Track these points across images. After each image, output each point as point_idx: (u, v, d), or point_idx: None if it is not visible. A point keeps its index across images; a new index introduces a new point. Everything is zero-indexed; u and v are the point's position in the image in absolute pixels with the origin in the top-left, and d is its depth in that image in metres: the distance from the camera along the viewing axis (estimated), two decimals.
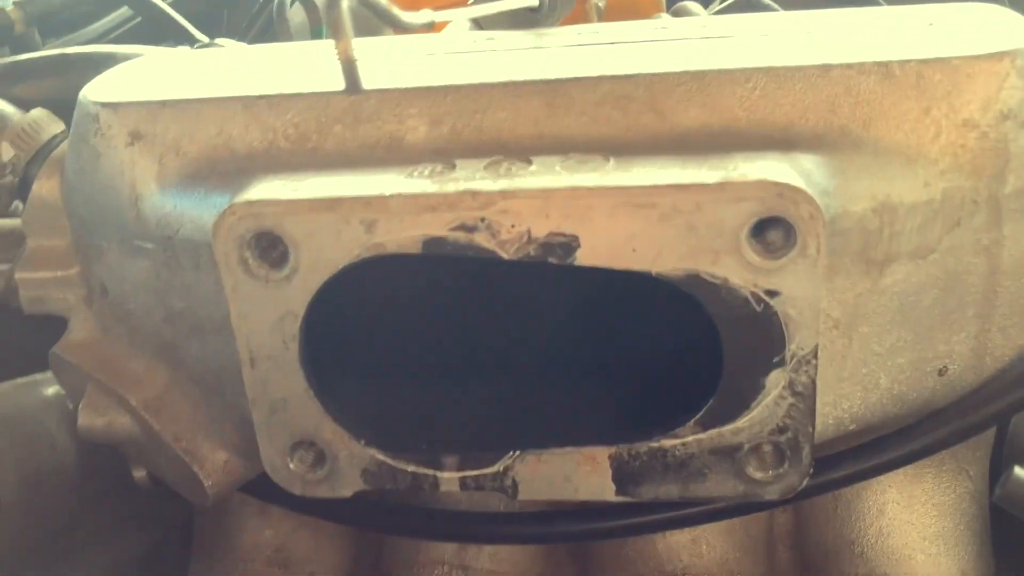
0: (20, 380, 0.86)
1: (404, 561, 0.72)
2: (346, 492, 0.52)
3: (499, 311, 0.56)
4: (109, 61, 0.81)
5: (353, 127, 0.51)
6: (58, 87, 0.89)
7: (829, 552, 0.69)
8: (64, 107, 0.65)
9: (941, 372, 0.53)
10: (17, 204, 0.80)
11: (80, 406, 0.61)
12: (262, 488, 0.68)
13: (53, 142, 0.64)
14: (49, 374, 0.88)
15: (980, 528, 0.67)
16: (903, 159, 0.47)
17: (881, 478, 0.66)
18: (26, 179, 0.64)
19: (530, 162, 0.47)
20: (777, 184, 0.42)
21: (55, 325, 0.65)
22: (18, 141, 0.63)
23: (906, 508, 0.66)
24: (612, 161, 0.47)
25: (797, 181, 0.43)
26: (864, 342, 0.50)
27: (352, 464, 0.51)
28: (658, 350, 0.53)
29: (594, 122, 0.49)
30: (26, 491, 0.74)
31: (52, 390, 0.85)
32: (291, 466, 0.52)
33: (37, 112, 0.65)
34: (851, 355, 0.51)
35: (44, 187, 0.62)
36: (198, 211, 0.52)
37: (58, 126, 0.65)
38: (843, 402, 0.52)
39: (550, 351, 0.56)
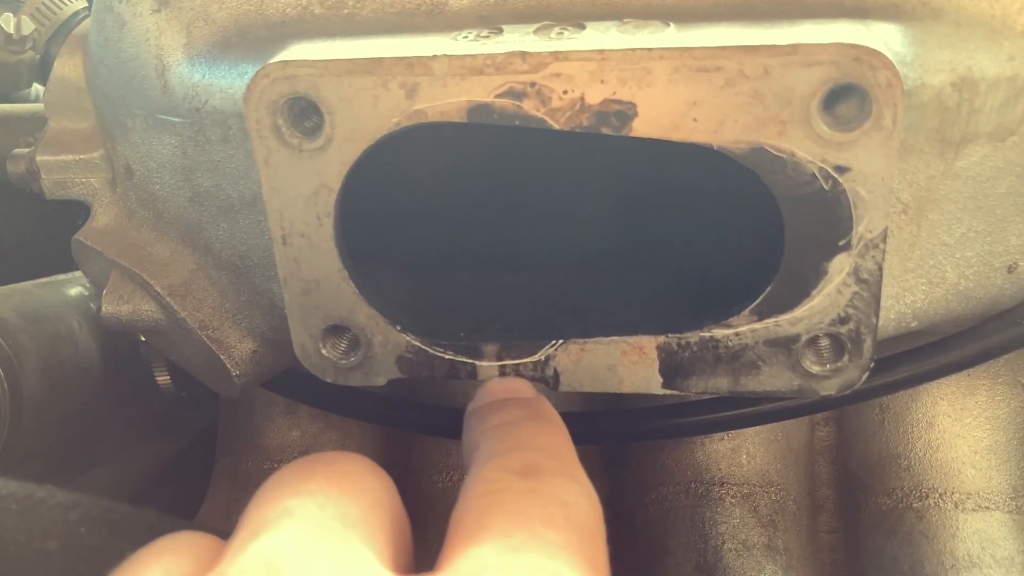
0: (42, 280, 0.84)
1: (432, 463, 0.70)
2: (380, 380, 0.50)
3: (542, 197, 0.53)
4: None
5: None
6: None
7: (873, 466, 0.66)
8: None
9: (1010, 269, 0.50)
10: (38, 90, 0.78)
11: (104, 293, 0.59)
12: (290, 386, 0.66)
13: (75, 18, 0.61)
14: (71, 274, 0.86)
15: None
16: (986, 30, 0.44)
17: (932, 390, 0.64)
18: (47, 57, 0.61)
19: (583, 26, 0.44)
20: (854, 47, 0.39)
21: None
22: (38, 15, 0.60)
23: (957, 421, 0.64)
24: (672, 26, 0.43)
25: (875, 44, 0.39)
26: (933, 230, 0.47)
27: (387, 350, 0.49)
28: (712, 235, 0.50)
29: None
30: (49, 385, 0.72)
31: (75, 290, 0.84)
32: (323, 352, 0.49)
33: None
34: (919, 244, 0.48)
35: (66, 65, 0.59)
36: (227, 81, 0.49)
37: (80, 2, 0.63)
38: (907, 296, 0.49)
39: (597, 237, 0.53)
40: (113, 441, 0.92)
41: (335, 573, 0.28)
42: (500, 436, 0.39)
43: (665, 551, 0.67)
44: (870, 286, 0.43)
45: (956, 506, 0.63)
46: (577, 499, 0.34)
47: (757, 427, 0.66)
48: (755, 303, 0.45)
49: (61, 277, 0.86)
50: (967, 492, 0.63)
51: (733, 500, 0.66)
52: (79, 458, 0.88)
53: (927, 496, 0.64)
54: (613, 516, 0.71)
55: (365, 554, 0.30)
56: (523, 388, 0.45)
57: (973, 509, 0.63)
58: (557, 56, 0.41)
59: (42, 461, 0.80)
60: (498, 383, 0.46)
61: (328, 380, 0.50)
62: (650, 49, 0.40)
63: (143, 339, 0.76)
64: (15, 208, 0.83)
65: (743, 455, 0.66)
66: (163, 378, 0.84)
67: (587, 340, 0.48)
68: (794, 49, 0.39)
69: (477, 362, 0.49)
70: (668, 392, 0.48)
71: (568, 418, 0.60)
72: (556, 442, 0.39)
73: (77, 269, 0.81)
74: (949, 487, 0.63)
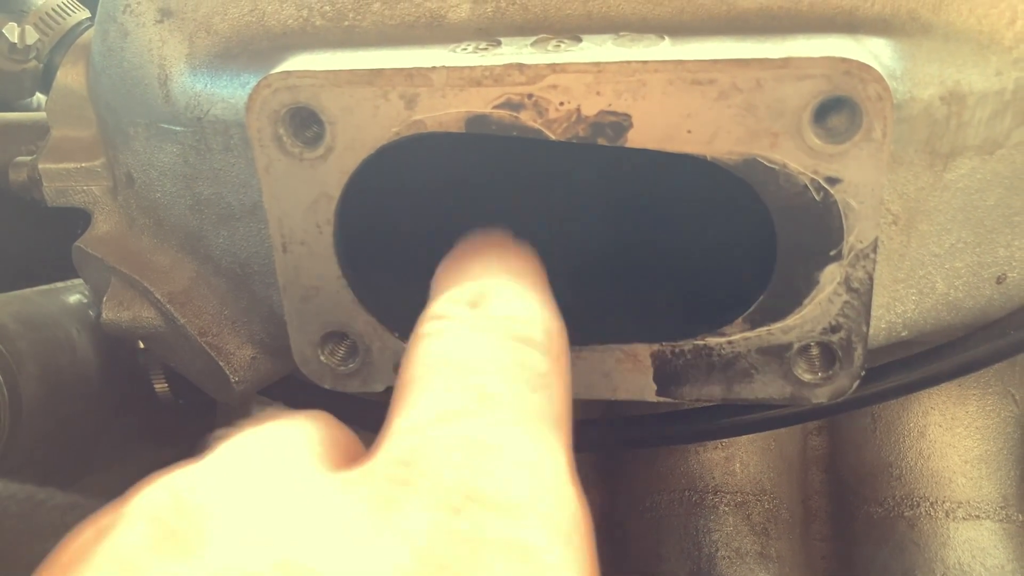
0: (41, 287, 0.85)
1: None
2: (378, 386, 0.50)
3: (538, 206, 0.53)
4: None
5: (392, 4, 0.49)
6: None
7: (865, 475, 0.67)
8: None
9: (999, 280, 0.51)
10: (40, 99, 0.79)
11: (104, 299, 0.60)
12: (287, 393, 0.67)
13: (79, 28, 0.62)
14: (71, 282, 0.87)
15: None
16: (975, 45, 0.45)
17: (923, 399, 0.65)
18: (50, 67, 0.62)
19: (579, 39, 0.45)
20: (845, 61, 0.40)
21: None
22: (42, 25, 0.61)
23: (948, 431, 0.65)
24: (667, 39, 0.44)
25: (865, 59, 0.40)
26: (923, 241, 0.48)
27: (385, 357, 0.49)
28: (706, 244, 0.51)
29: (647, 1, 0.47)
30: (47, 391, 0.73)
31: (74, 298, 0.85)
32: (322, 358, 0.50)
33: None
34: (909, 254, 0.48)
35: (69, 74, 0.60)
36: (229, 90, 0.50)
37: (84, 13, 0.63)
38: (897, 305, 0.50)
39: (592, 246, 0.54)
40: (110, 448, 0.92)
41: (263, 469, 0.27)
42: (456, 270, 0.36)
43: (659, 559, 0.67)
44: (861, 295, 0.44)
45: (947, 515, 0.64)
46: (532, 330, 0.31)
47: (750, 436, 0.67)
48: (748, 311, 0.46)
49: (60, 285, 0.86)
50: (958, 501, 0.64)
51: (727, 508, 0.67)
52: (76, 465, 0.88)
53: (918, 505, 0.64)
54: (608, 524, 0.71)
55: (296, 454, 0.28)
56: (495, 234, 0.42)
57: (964, 518, 0.63)
58: (554, 68, 0.42)
59: (39, 468, 0.80)
60: (473, 234, 0.42)
61: (326, 386, 0.51)
62: (645, 62, 0.41)
63: (142, 346, 0.77)
64: (15, 216, 0.83)
65: (736, 464, 0.67)
66: (161, 386, 0.84)
67: (582, 348, 0.48)
68: (786, 63, 0.40)
69: None
70: (662, 399, 0.49)
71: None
72: (519, 267, 0.36)
73: (76, 277, 0.82)
74: (940, 496, 0.64)
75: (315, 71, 0.43)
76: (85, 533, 0.26)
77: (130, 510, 0.26)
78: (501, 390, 0.28)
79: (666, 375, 0.48)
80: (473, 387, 0.28)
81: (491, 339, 0.30)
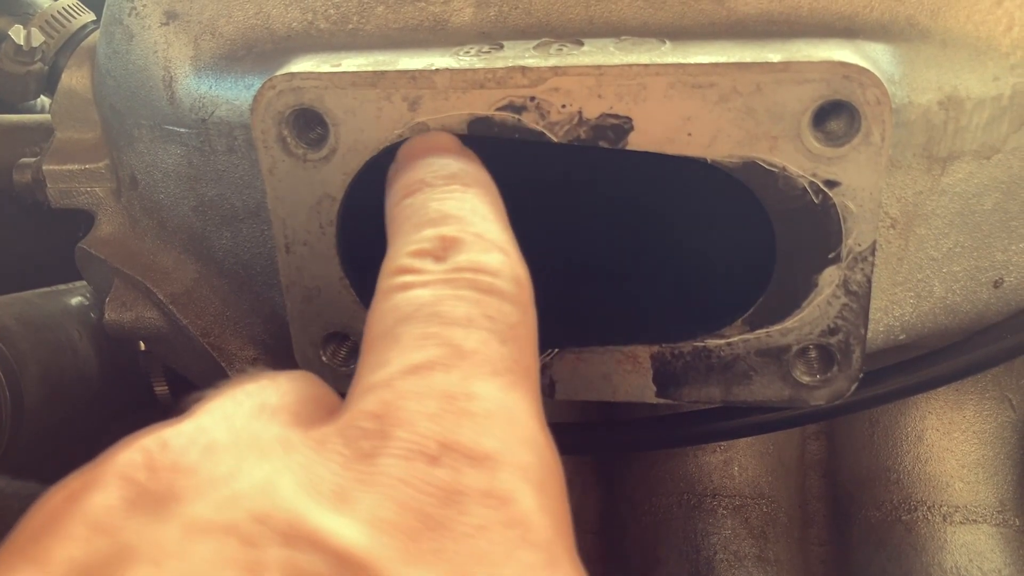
0: (43, 289, 0.85)
1: None
2: None
3: (537, 207, 0.54)
4: None
5: (396, 8, 0.50)
6: None
7: (863, 480, 0.67)
8: None
9: (996, 284, 0.51)
10: (44, 101, 0.79)
11: (107, 300, 0.60)
12: None
13: (84, 31, 0.63)
14: (72, 285, 0.87)
15: (1021, 458, 0.66)
16: (972, 51, 0.45)
17: (921, 404, 0.65)
18: (55, 69, 0.62)
19: (581, 43, 0.45)
20: (844, 65, 0.40)
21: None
22: (48, 28, 0.61)
23: (945, 435, 0.65)
24: (668, 44, 0.45)
25: (865, 63, 0.41)
26: (920, 245, 0.48)
27: None
28: (705, 246, 0.51)
29: (648, 6, 0.47)
30: (49, 391, 0.73)
31: (75, 300, 0.85)
32: (323, 358, 0.50)
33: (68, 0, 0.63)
34: (907, 258, 0.49)
35: (74, 77, 0.61)
36: (233, 92, 0.50)
37: (89, 16, 0.64)
38: (895, 309, 0.50)
39: (592, 248, 0.54)
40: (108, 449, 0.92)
41: (237, 427, 0.27)
42: (411, 204, 0.36)
43: (658, 561, 0.67)
44: (859, 298, 0.45)
45: (944, 519, 0.64)
46: (501, 280, 0.31)
47: (749, 440, 0.67)
48: (747, 314, 0.46)
49: (62, 287, 0.86)
50: (955, 505, 0.64)
51: (725, 511, 0.67)
52: (76, 466, 0.88)
53: (916, 509, 0.64)
54: (606, 527, 0.72)
55: (272, 412, 0.28)
56: (443, 142, 0.41)
57: (961, 522, 0.64)
58: (556, 71, 0.42)
59: (40, 468, 0.80)
60: (418, 139, 0.41)
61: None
62: (646, 65, 0.42)
63: (143, 348, 0.77)
64: (19, 218, 0.84)
65: (735, 467, 0.67)
66: (161, 388, 0.85)
67: (583, 349, 0.49)
68: (786, 67, 0.41)
69: None
70: (661, 401, 0.49)
71: (563, 429, 0.61)
72: (477, 196, 0.35)
73: (78, 280, 0.82)
74: (937, 500, 0.64)
75: (319, 73, 0.44)
76: (55, 498, 0.27)
77: (103, 471, 0.26)
78: (472, 344, 0.28)
79: (665, 377, 0.48)
80: (443, 341, 0.28)
81: (460, 294, 0.30)
